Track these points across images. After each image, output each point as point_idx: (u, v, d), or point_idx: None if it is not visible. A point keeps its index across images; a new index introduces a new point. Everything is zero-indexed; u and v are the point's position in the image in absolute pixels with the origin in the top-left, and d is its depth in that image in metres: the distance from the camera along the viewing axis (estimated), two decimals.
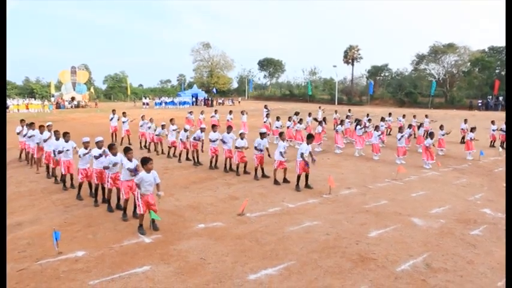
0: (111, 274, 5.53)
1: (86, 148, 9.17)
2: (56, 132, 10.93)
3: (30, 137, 12.97)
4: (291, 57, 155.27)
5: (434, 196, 9.86)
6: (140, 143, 17.08)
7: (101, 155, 8.64)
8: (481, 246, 6.70)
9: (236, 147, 11.64)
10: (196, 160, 13.38)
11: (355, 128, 16.54)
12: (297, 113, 19.70)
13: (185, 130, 13.77)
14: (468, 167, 13.95)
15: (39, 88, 66.27)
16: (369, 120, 19.38)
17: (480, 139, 17.45)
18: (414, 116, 22.91)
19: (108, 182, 8.37)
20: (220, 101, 62.91)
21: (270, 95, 78.98)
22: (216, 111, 24.55)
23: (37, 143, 12.35)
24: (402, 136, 14.42)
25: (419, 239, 6.98)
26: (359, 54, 67.96)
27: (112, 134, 18.55)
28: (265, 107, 24.46)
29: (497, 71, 55.79)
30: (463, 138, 19.22)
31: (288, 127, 18.35)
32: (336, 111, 25.54)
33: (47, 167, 11.64)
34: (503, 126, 17.59)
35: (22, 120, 14.21)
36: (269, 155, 11.24)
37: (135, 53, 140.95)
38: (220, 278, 5.44)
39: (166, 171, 12.28)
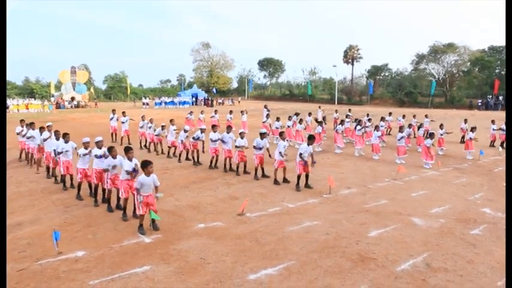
0: (111, 274, 5.54)
1: (86, 148, 9.17)
2: (57, 132, 10.93)
3: (29, 137, 12.97)
4: (291, 57, 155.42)
5: (434, 196, 9.86)
6: (140, 142, 17.08)
7: (101, 156, 8.65)
8: (481, 246, 6.71)
9: (236, 147, 11.64)
10: (196, 160, 13.38)
11: (355, 128, 16.54)
12: (297, 114, 19.71)
13: (185, 131, 13.78)
14: (468, 166, 13.96)
15: (39, 88, 66.24)
16: (369, 120, 19.40)
17: (480, 139, 17.45)
18: (414, 116, 22.91)
19: (107, 182, 8.37)
20: (220, 100, 62.89)
21: (269, 95, 78.96)
22: (216, 111, 24.57)
23: (38, 144, 12.35)
24: (402, 137, 14.40)
25: (419, 238, 6.98)
26: (359, 54, 67.98)
27: (112, 134, 18.57)
28: (265, 107, 24.47)
29: (497, 70, 55.79)
30: (463, 137, 19.22)
31: (288, 127, 18.35)
32: (336, 111, 25.57)
33: (47, 167, 11.64)
34: (503, 126, 17.59)
35: (22, 120, 14.21)
36: (270, 155, 11.24)
37: (135, 53, 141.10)
38: (220, 278, 5.44)
39: (166, 171, 12.28)
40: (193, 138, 13.23)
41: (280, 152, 10.46)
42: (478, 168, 13.68)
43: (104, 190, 8.73)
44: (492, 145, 18.58)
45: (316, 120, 20.54)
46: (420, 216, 8.16)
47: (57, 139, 10.67)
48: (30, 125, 13.22)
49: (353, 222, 7.79)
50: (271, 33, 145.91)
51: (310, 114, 21.77)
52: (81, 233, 7.12)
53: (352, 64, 68.96)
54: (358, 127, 16.18)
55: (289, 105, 51.22)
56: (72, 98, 52.68)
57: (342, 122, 18.21)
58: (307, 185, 10.26)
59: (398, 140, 14.40)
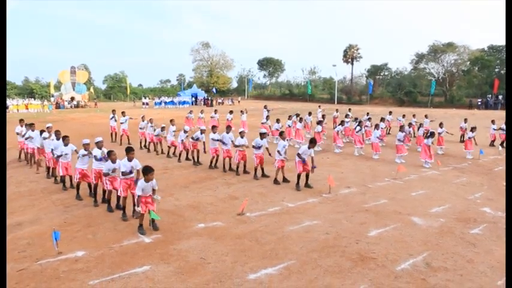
0: (111, 274, 5.54)
1: (85, 150, 9.17)
2: (57, 133, 10.94)
3: (27, 138, 12.98)
4: (291, 57, 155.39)
5: (434, 195, 9.86)
6: (140, 142, 17.07)
7: (101, 159, 8.62)
8: (481, 245, 6.71)
9: (236, 146, 11.64)
10: (196, 160, 13.38)
11: (355, 129, 16.52)
12: (297, 115, 19.73)
13: (185, 131, 13.77)
14: (468, 166, 13.96)
15: (39, 88, 66.19)
16: (369, 119, 19.41)
17: (480, 138, 17.47)
18: (414, 116, 22.92)
19: (106, 183, 8.36)
20: (220, 100, 62.88)
21: (269, 95, 78.93)
22: (216, 110, 24.60)
23: (37, 147, 12.35)
24: (404, 136, 14.36)
25: (419, 238, 6.98)
26: (358, 54, 67.95)
27: (111, 134, 18.58)
28: (265, 107, 24.47)
29: (496, 70, 55.73)
30: (463, 136, 19.23)
31: (288, 126, 18.35)
32: (336, 110, 25.58)
33: (48, 167, 11.64)
34: (503, 126, 17.58)
35: (21, 120, 14.21)
36: (269, 154, 11.25)
37: (135, 53, 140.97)
38: (220, 278, 5.45)
39: (166, 171, 12.28)
40: (193, 138, 13.22)
41: (278, 151, 10.47)
42: (478, 167, 13.69)
43: (103, 190, 8.73)
44: (492, 145, 18.58)
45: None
46: (420, 216, 8.16)
47: (58, 139, 10.68)
48: (30, 126, 13.22)
49: (353, 221, 7.79)
50: (271, 33, 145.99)
51: (310, 114, 21.77)
52: (81, 233, 7.12)
53: (352, 64, 68.99)
54: (358, 128, 16.16)
55: (289, 105, 51.22)
56: (72, 98, 52.68)
57: (342, 123, 18.21)
58: (307, 185, 10.26)
59: (399, 140, 14.35)
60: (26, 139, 13.10)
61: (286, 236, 7.01)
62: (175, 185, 10.61)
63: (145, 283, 5.30)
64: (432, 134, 13.95)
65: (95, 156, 8.76)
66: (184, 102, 53.85)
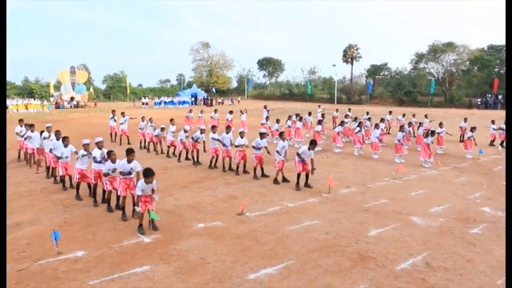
0: (110, 274, 5.53)
1: (85, 150, 9.16)
2: (57, 133, 10.94)
3: (26, 138, 12.98)
4: (290, 57, 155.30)
5: (434, 195, 9.87)
6: (140, 142, 17.07)
7: (100, 162, 8.60)
8: (481, 245, 6.71)
9: (236, 146, 11.64)
10: (195, 160, 13.38)
11: (355, 129, 16.51)
12: (297, 114, 19.75)
13: (185, 131, 13.77)
14: (468, 165, 13.96)
15: (39, 88, 66.15)
16: (369, 119, 19.40)
17: (479, 138, 17.47)
18: (413, 115, 22.93)
19: (106, 184, 8.35)
20: (220, 100, 62.89)
21: (269, 95, 78.93)
22: (216, 110, 24.60)
23: (37, 147, 12.36)
24: (403, 136, 14.35)
25: (419, 237, 6.99)
26: (358, 53, 67.96)
27: (111, 134, 18.59)
28: (265, 107, 24.48)
29: (496, 69, 55.72)
30: (462, 136, 19.23)
31: (288, 126, 18.35)
32: (337, 110, 25.59)
33: (47, 167, 11.64)
34: (503, 125, 17.58)
35: (21, 120, 14.21)
36: (268, 152, 11.25)
37: (135, 53, 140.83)
38: (220, 278, 5.45)
39: (165, 171, 12.28)
40: (193, 138, 13.20)
41: (277, 151, 10.49)
42: (477, 167, 13.69)
43: (103, 190, 8.73)
44: (492, 144, 18.58)
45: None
46: (420, 216, 8.17)
47: (58, 139, 10.69)
48: (30, 127, 13.21)
49: (353, 221, 7.79)
50: (271, 33, 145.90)
51: (310, 114, 21.77)
52: (80, 233, 7.12)
53: (352, 63, 68.99)
54: (358, 129, 16.14)
55: (288, 105, 51.24)
56: (72, 98, 52.67)
57: (342, 123, 18.20)
58: (306, 185, 10.26)
59: (398, 140, 14.33)
60: (25, 139, 13.10)
61: (286, 235, 7.01)
62: (175, 184, 10.61)
63: (145, 283, 5.30)
64: (433, 133, 13.95)
65: (94, 157, 8.72)
66: (184, 102, 53.85)
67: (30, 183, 10.93)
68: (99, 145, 8.82)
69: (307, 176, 10.23)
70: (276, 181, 10.69)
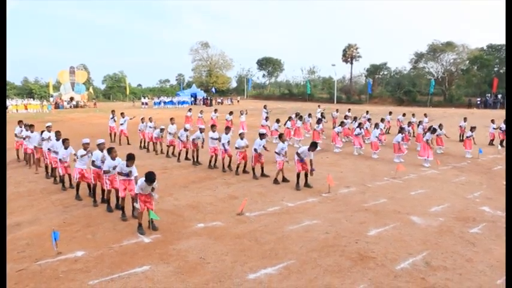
0: (110, 274, 5.53)
1: (85, 149, 9.15)
2: (57, 133, 10.94)
3: (25, 138, 12.96)
4: (290, 56, 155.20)
5: (434, 194, 9.87)
6: (140, 142, 17.08)
7: (100, 167, 8.56)
8: (480, 244, 6.71)
9: (236, 148, 11.64)
10: (195, 159, 13.37)
11: (355, 129, 16.50)
12: (297, 114, 19.76)
13: (185, 130, 13.78)
14: (467, 165, 13.97)
15: (38, 88, 66.04)
16: (369, 120, 19.39)
17: (479, 137, 17.48)
18: (413, 115, 22.92)
19: (106, 183, 8.34)
20: (219, 100, 62.86)
21: (269, 94, 78.89)
22: (216, 110, 24.61)
23: (35, 146, 12.35)
24: (402, 138, 14.32)
25: (419, 237, 6.99)
26: (358, 53, 67.94)
27: (110, 134, 18.59)
28: (265, 107, 24.49)
29: (495, 69, 55.71)
30: (462, 136, 19.22)
31: (287, 128, 18.35)
32: (337, 110, 25.58)
33: (46, 167, 11.64)
34: (503, 125, 17.58)
35: (20, 121, 14.21)
36: (265, 148, 11.25)
37: (135, 53, 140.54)
38: (220, 278, 5.45)
39: (165, 171, 12.28)
40: (194, 140, 13.16)
41: (276, 152, 10.51)
42: (477, 166, 13.70)
43: (103, 190, 8.72)
44: (491, 144, 18.59)
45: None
46: (419, 215, 8.17)
47: (58, 140, 10.70)
48: (30, 127, 13.21)
49: (352, 221, 7.79)
50: (271, 33, 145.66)
51: (310, 115, 21.73)
52: (80, 233, 7.12)
53: (351, 63, 68.99)
54: (358, 129, 16.13)
55: (288, 105, 51.21)
56: (71, 98, 52.58)
57: (342, 124, 18.19)
58: (306, 184, 10.26)
59: (398, 141, 14.29)
60: (24, 139, 13.10)
61: (285, 235, 7.01)
62: (175, 184, 10.61)
63: (144, 283, 5.30)
64: (434, 130, 13.94)
65: (93, 161, 8.64)
66: (183, 102, 53.83)
67: (29, 184, 10.93)
68: (101, 147, 8.71)
69: (306, 175, 10.23)
70: (275, 181, 10.70)
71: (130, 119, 18.48)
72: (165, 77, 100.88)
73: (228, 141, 12.19)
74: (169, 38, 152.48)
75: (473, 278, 5.52)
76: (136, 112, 29.14)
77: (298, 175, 10.15)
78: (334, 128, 18.06)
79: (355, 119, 20.83)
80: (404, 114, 22.76)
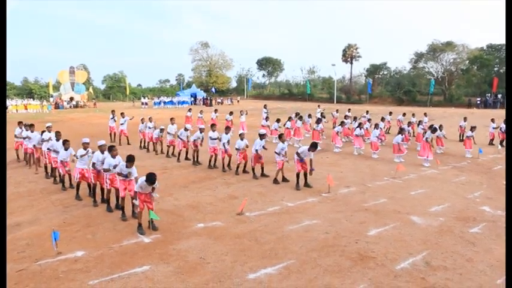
0: (110, 274, 5.53)
1: (85, 149, 9.15)
2: (57, 134, 10.95)
3: (25, 138, 12.96)
4: (290, 56, 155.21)
5: (434, 194, 9.87)
6: (140, 142, 17.09)
7: (99, 171, 8.56)
8: (480, 244, 6.71)
9: (237, 149, 11.63)
10: (195, 159, 13.37)
11: (355, 129, 16.49)
12: (297, 114, 19.76)
13: (185, 129, 13.80)
14: (467, 164, 13.96)
15: (38, 88, 66.01)
16: (369, 120, 19.39)
17: (479, 137, 17.47)
18: (413, 115, 22.91)
19: (106, 183, 8.34)
20: (219, 100, 62.85)
21: (268, 94, 78.88)
22: (216, 110, 24.61)
23: (34, 145, 12.35)
24: (402, 139, 14.31)
25: (419, 237, 6.99)
26: (357, 53, 67.92)
27: (110, 134, 18.60)
28: (265, 107, 24.49)
29: (495, 68, 55.70)
30: (462, 136, 19.22)
31: (287, 128, 18.36)
32: (337, 111, 25.58)
33: (46, 167, 11.64)
34: (503, 126, 17.56)
35: (20, 123, 14.21)
36: (264, 147, 11.24)
37: (135, 53, 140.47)
38: (220, 278, 5.44)
39: (165, 171, 12.27)
40: (194, 140, 13.14)
41: (276, 152, 10.51)
42: (477, 166, 13.70)
43: (102, 190, 8.72)
44: (491, 143, 18.59)
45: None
46: (419, 215, 8.17)
47: (58, 140, 10.72)
48: (30, 127, 13.21)
49: (352, 221, 7.79)
50: (271, 33, 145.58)
51: (310, 115, 21.72)
52: (80, 233, 7.12)
53: (351, 63, 68.96)
54: (358, 129, 16.12)
55: (288, 105, 51.21)
56: (71, 98, 52.56)
57: (342, 123, 18.20)
58: (306, 184, 10.26)
59: (398, 142, 14.27)
60: (24, 139, 13.10)
61: (285, 235, 7.01)
62: (175, 184, 10.61)
63: (144, 283, 5.30)
64: (435, 130, 13.93)
65: (93, 163, 8.61)
66: (183, 102, 53.82)
67: (29, 184, 10.93)
68: (102, 148, 8.64)
69: (305, 175, 10.23)
70: (275, 181, 10.70)
71: (130, 119, 18.49)
72: (165, 77, 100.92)
73: (228, 141, 12.20)
74: (169, 38, 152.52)
75: (473, 277, 5.52)
76: (136, 112, 29.15)
77: (297, 175, 10.15)
78: (334, 127, 18.07)
79: (355, 119, 20.83)
80: (404, 114, 22.76)
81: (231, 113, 21.61)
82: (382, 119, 19.50)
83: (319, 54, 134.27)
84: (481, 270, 5.74)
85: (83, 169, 9.11)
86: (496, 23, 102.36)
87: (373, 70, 71.08)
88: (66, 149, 9.74)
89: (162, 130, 15.43)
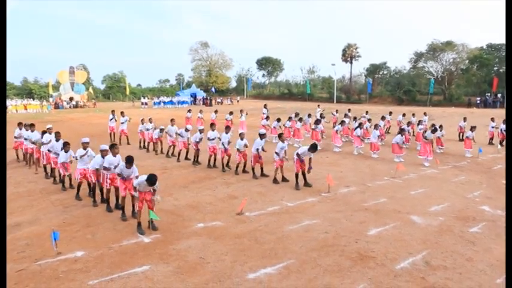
0: (110, 274, 5.53)
1: (84, 149, 9.15)
2: (57, 134, 10.95)
3: (26, 138, 12.96)
4: (290, 56, 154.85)
5: (433, 194, 9.87)
6: (140, 142, 17.09)
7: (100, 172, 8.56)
8: (480, 244, 6.71)
9: (237, 150, 11.63)
10: (195, 159, 13.36)
11: (355, 129, 16.49)
12: (297, 114, 19.77)
13: (186, 130, 13.83)
14: (467, 164, 13.97)
15: (38, 88, 65.97)
16: (369, 120, 19.39)
17: (479, 136, 17.46)
18: (413, 115, 22.91)
19: (106, 182, 8.34)
20: (219, 100, 62.83)
21: (268, 94, 78.80)
22: (216, 111, 24.59)
23: (33, 142, 12.35)
24: (402, 141, 14.30)
25: (419, 236, 6.99)
26: (357, 53, 67.84)
27: (110, 134, 18.61)
28: (265, 106, 24.48)
29: (495, 68, 55.70)
30: (462, 135, 19.22)
31: (286, 127, 18.36)
32: (336, 111, 25.59)
33: (45, 167, 11.64)
34: (503, 126, 17.56)
35: (20, 123, 14.22)
36: (263, 149, 11.23)
37: (134, 53, 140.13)
38: (220, 277, 5.44)
39: (165, 171, 12.27)
40: (195, 141, 13.13)
41: (276, 152, 10.50)
42: (476, 166, 13.70)
43: (102, 190, 8.71)
44: (491, 143, 18.60)
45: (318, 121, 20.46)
46: (419, 215, 8.17)
47: (57, 140, 10.72)
48: (30, 126, 13.21)
49: (352, 220, 7.79)
50: (271, 33, 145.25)
51: (309, 115, 21.71)
52: (80, 233, 7.12)
53: (351, 63, 68.87)
54: (358, 130, 16.11)
55: (288, 104, 51.19)
56: (71, 98, 52.53)
57: (342, 122, 18.20)
58: (306, 184, 10.26)
59: (397, 142, 14.27)
60: (25, 139, 13.10)
61: (285, 235, 7.01)
62: (175, 184, 10.61)
63: (144, 283, 5.30)
64: (435, 130, 13.93)
65: (96, 169, 8.62)
66: (183, 102, 53.78)
67: (29, 184, 10.93)
68: (103, 153, 8.53)
69: (304, 174, 10.22)
70: (275, 181, 10.70)
71: (129, 120, 18.50)
72: (164, 77, 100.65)
73: (229, 142, 12.19)
74: (169, 38, 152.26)
75: (473, 277, 5.52)
76: (136, 112, 29.15)
77: (296, 175, 10.15)
78: (334, 127, 18.06)
79: (354, 119, 20.83)
80: (404, 115, 22.75)
81: (231, 113, 21.61)
82: (383, 118, 19.49)
83: (319, 54, 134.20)
84: (481, 270, 5.74)
85: (84, 169, 9.11)
86: (496, 23, 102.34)
87: (373, 70, 71.06)
88: (66, 152, 9.74)
89: (162, 130, 15.44)
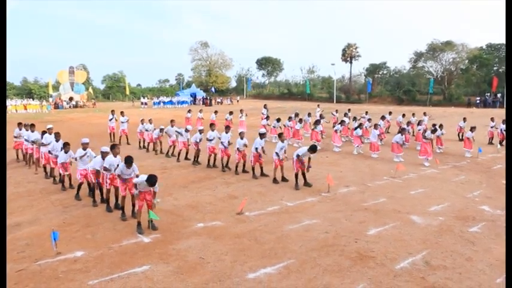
0: (110, 274, 5.53)
1: (84, 149, 9.14)
2: (57, 135, 10.95)
3: (26, 140, 12.96)
4: (289, 56, 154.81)
5: (433, 193, 9.87)
6: (139, 142, 17.09)
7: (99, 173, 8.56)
8: (480, 243, 6.72)
9: (238, 149, 11.63)
10: (195, 159, 13.36)
11: (355, 129, 16.50)
12: (297, 114, 19.78)
13: (186, 130, 13.84)
14: (467, 164, 13.97)
15: (37, 88, 65.95)
16: (369, 120, 19.38)
17: (478, 136, 17.46)
18: (413, 115, 22.90)
19: (106, 182, 8.34)
20: (219, 100, 62.83)
21: (268, 94, 78.83)
22: (216, 112, 24.58)
23: (32, 141, 12.35)
24: (403, 138, 14.29)
25: (418, 236, 6.99)
26: (357, 53, 67.85)
27: (110, 134, 18.62)
28: (265, 106, 24.47)
29: (495, 68, 55.73)
30: (461, 135, 19.21)
31: (285, 126, 18.36)
32: (336, 111, 25.60)
33: (44, 167, 11.64)
34: (502, 126, 17.55)
35: (20, 124, 14.21)
36: (263, 151, 11.21)
37: (134, 53, 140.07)
38: (220, 277, 5.45)
39: (165, 171, 12.27)
40: (196, 141, 13.12)
41: (276, 152, 10.51)
42: (476, 165, 13.70)
43: (101, 190, 8.70)
44: (490, 142, 18.60)
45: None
46: (419, 214, 8.17)
47: (57, 141, 10.72)
48: (31, 126, 13.21)
49: (352, 220, 7.79)
50: (271, 32, 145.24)
51: (309, 114, 21.73)
52: (80, 233, 7.12)
53: (351, 62, 68.88)
54: (358, 129, 16.10)
55: (288, 104, 51.22)
56: (71, 98, 52.51)
57: (342, 122, 18.20)
58: (306, 184, 10.27)
59: (396, 141, 14.26)
60: (26, 140, 13.11)
61: (285, 235, 7.01)
62: (174, 184, 10.61)
63: (144, 283, 5.30)
64: (435, 130, 13.92)
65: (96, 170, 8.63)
66: (183, 102, 53.77)
67: (29, 184, 10.92)
68: (104, 155, 8.51)
69: (303, 174, 10.23)
70: (275, 180, 10.70)
71: (127, 120, 18.49)
72: (164, 77, 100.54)
73: (229, 142, 12.19)
74: (169, 38, 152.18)
75: (472, 277, 5.53)
76: (135, 112, 29.15)
77: (296, 175, 10.16)
78: (333, 127, 18.06)
79: (354, 119, 20.83)
80: (404, 115, 22.76)
81: (230, 113, 21.61)
82: (383, 118, 19.48)
83: (319, 53, 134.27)
84: (481, 270, 5.74)
85: (85, 169, 9.11)
86: (496, 23, 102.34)
87: (373, 70, 71.06)
88: (66, 152, 9.74)
89: (161, 130, 15.44)
